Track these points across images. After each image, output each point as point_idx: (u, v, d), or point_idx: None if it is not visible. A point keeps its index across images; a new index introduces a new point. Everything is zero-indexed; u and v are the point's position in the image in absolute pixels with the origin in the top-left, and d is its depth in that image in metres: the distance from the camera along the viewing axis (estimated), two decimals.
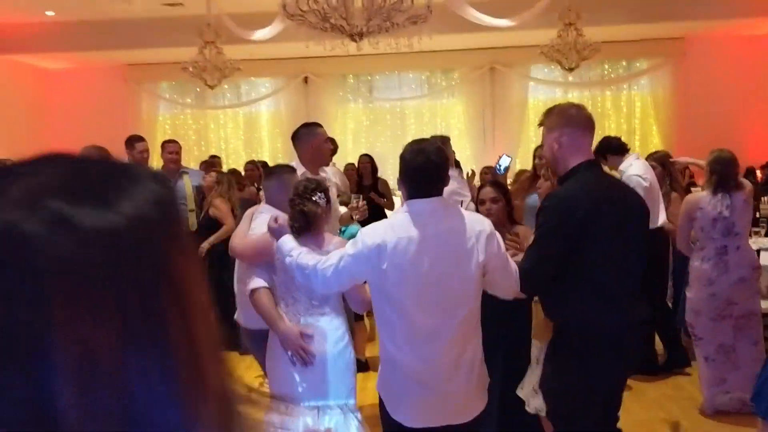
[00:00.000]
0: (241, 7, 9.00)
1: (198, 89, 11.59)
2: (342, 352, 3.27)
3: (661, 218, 5.25)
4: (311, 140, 4.16)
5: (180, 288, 0.54)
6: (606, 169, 5.10)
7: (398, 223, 2.70)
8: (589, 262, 2.71)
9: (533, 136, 10.76)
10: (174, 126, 12.57)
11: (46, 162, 0.55)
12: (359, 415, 3.27)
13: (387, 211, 6.90)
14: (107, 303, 0.49)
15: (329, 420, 3.17)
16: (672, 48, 11.43)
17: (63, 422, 0.48)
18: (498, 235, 2.79)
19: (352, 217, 4.36)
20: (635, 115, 12.07)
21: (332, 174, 5.14)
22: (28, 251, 0.48)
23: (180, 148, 6.59)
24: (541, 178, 4.70)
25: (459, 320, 2.68)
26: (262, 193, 4.32)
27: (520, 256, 2.90)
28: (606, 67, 11.96)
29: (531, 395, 3.34)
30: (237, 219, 4.86)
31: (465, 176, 5.78)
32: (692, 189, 8.85)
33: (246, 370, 4.74)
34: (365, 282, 2.95)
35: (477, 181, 6.26)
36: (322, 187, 3.32)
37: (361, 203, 4.33)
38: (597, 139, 5.85)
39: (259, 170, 7.64)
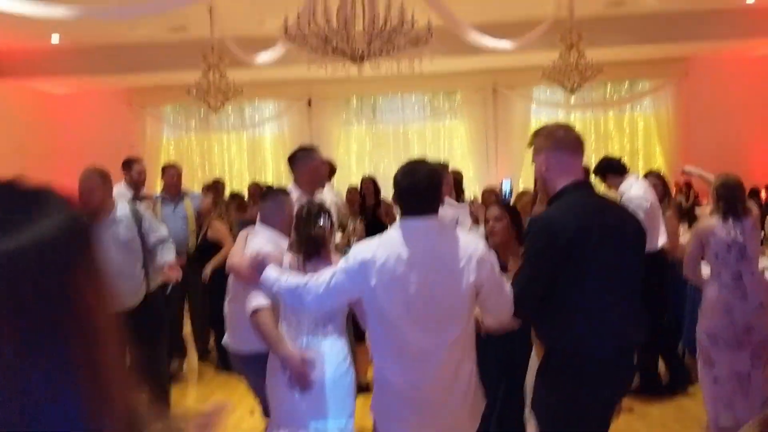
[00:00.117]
0: (244, 30, 9.08)
1: (202, 112, 11.65)
2: (344, 375, 3.25)
3: (661, 240, 5.21)
4: (308, 163, 4.18)
5: (83, 310, 0.57)
6: (603, 189, 5.09)
7: (389, 240, 2.69)
8: (577, 284, 2.66)
9: None
10: (178, 149, 12.63)
11: None
12: None
13: None
14: (4, 319, 0.52)
15: None
16: (674, 69, 11.47)
17: None
18: (493, 258, 2.76)
19: (348, 242, 4.36)
20: (638, 135, 12.08)
21: (330, 195, 5.15)
22: None
23: (180, 171, 6.61)
24: None
25: (449, 342, 2.65)
26: None
27: None
28: (608, 88, 11.99)
29: (530, 416, 3.31)
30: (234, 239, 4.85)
31: (468, 201, 5.77)
32: (695, 209, 8.85)
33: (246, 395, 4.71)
34: None
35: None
36: (324, 210, 3.35)
37: (358, 226, 4.34)
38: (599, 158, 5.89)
39: (262, 191, 7.67)
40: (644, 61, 11.23)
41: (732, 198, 4.44)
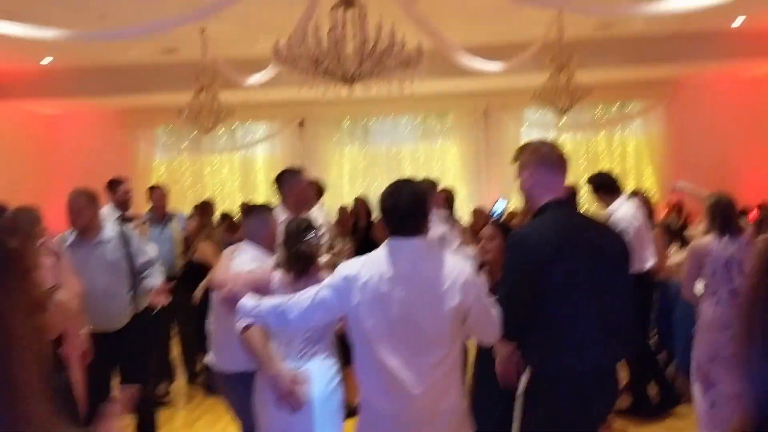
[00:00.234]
0: (236, 52, 9.12)
1: (194, 134, 11.67)
2: (332, 394, 3.23)
3: (650, 261, 5.21)
4: (294, 184, 4.18)
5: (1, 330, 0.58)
6: (595, 204, 5.08)
7: (374, 259, 2.68)
8: (551, 301, 2.63)
9: None
10: (170, 170, 12.62)
11: None
12: None
13: None
14: None
15: None
16: (664, 90, 11.56)
17: None
18: (480, 281, 2.72)
19: (335, 264, 4.34)
20: (628, 157, 12.15)
21: (320, 215, 5.14)
22: None
23: (167, 193, 6.60)
24: None
25: (431, 365, 2.59)
26: None
27: None
28: (599, 109, 12.07)
29: None
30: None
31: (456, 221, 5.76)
32: (684, 232, 8.86)
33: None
34: None
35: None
36: (312, 227, 3.33)
37: (346, 246, 4.33)
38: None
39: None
40: (634, 83, 11.32)
41: (727, 215, 4.47)
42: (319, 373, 3.19)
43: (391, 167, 12.16)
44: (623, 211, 5.10)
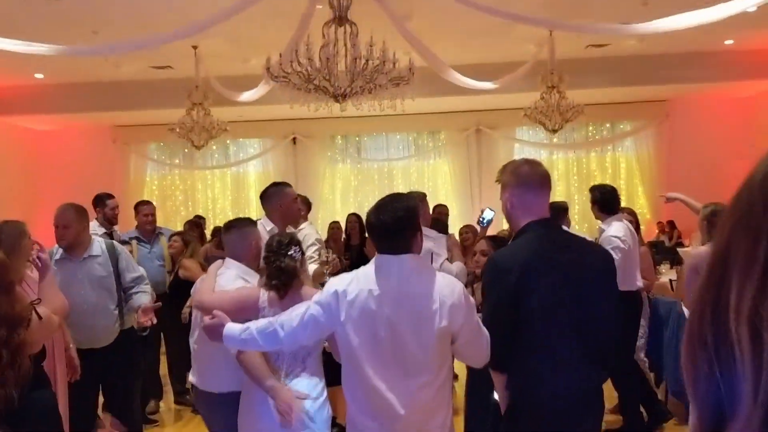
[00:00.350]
0: (228, 69, 9.15)
1: (186, 150, 11.66)
2: (321, 407, 3.19)
3: (639, 282, 5.18)
4: (280, 199, 4.15)
5: None
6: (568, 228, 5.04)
7: (363, 276, 2.62)
8: (533, 325, 2.57)
9: None
10: (162, 186, 12.60)
11: None
12: None
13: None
14: None
15: None
16: (655, 110, 11.64)
17: None
18: (470, 303, 2.64)
19: (324, 273, 4.31)
20: (620, 175, 12.20)
21: (311, 231, 5.11)
22: None
23: (155, 209, 6.54)
24: None
25: (417, 386, 2.52)
26: None
27: None
28: (590, 128, 12.13)
29: None
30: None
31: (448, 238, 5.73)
32: (678, 249, 8.88)
33: None
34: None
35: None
36: (295, 241, 3.28)
37: (331, 257, 4.30)
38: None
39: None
40: (625, 103, 11.40)
41: None
42: (307, 389, 3.16)
43: (383, 184, 12.19)
44: (615, 229, 5.08)
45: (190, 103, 8.64)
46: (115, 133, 11.98)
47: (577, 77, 8.92)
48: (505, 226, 6.14)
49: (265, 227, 4.03)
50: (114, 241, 4.83)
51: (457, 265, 4.64)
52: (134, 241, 6.10)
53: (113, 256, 4.46)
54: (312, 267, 4.44)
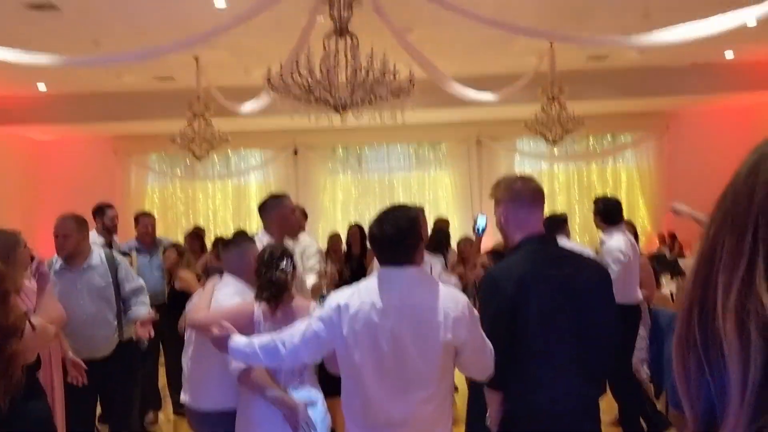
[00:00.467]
0: (230, 80, 9.17)
1: (187, 161, 11.67)
2: (324, 417, 3.19)
3: (638, 295, 5.16)
4: (278, 210, 4.15)
5: None
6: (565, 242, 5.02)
7: (365, 289, 2.58)
8: (527, 341, 2.56)
9: None
10: (162, 197, 12.61)
11: None
12: None
13: None
14: None
15: None
16: (656, 122, 11.65)
17: None
18: (474, 315, 2.59)
19: (322, 286, 4.29)
20: (621, 187, 12.19)
21: (312, 242, 5.11)
22: None
23: (155, 220, 6.53)
24: None
25: (420, 401, 2.49)
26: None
27: None
28: (591, 140, 12.14)
29: None
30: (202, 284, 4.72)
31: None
32: (680, 261, 8.87)
33: None
34: None
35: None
36: (287, 254, 3.27)
37: (329, 270, 4.29)
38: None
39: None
40: (626, 115, 11.41)
41: None
42: (309, 398, 3.16)
43: (384, 195, 12.19)
44: (614, 243, 5.06)
45: (191, 114, 8.66)
46: (116, 144, 12.00)
47: (577, 89, 8.94)
48: (497, 238, 6.14)
49: (262, 242, 4.03)
50: (114, 251, 4.83)
51: (454, 280, 4.62)
52: (134, 252, 6.10)
53: (112, 267, 4.45)
54: (310, 280, 4.44)
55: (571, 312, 2.61)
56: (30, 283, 3.51)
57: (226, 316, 3.16)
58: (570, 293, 2.62)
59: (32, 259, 5.11)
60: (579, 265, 2.80)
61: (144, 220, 6.39)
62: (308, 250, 5.21)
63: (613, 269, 4.73)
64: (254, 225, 11.91)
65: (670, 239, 11.27)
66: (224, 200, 12.69)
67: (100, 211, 6.02)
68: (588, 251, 4.91)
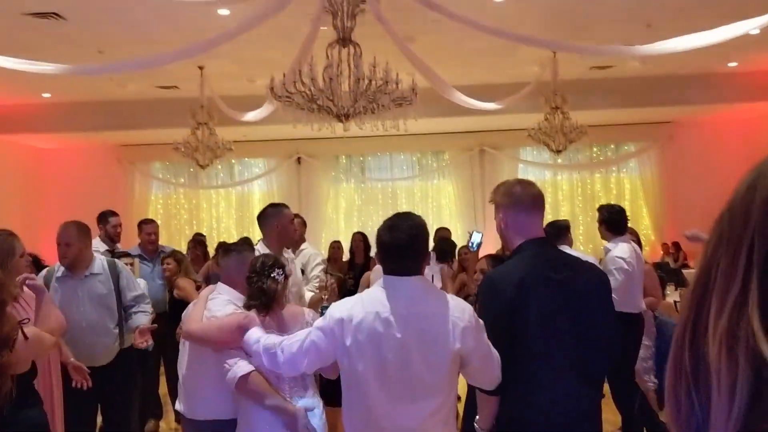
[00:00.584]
0: (234, 89, 9.20)
1: (191, 169, 11.70)
2: (323, 424, 3.18)
3: (641, 304, 5.13)
4: (278, 220, 4.13)
5: None
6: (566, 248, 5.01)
7: (369, 298, 2.54)
8: (526, 345, 2.55)
9: None
10: (166, 205, 12.63)
11: None
12: None
13: None
14: None
15: None
16: (659, 132, 11.64)
17: None
18: (480, 325, 2.56)
19: (322, 299, 4.27)
20: (625, 196, 12.18)
21: (314, 251, 5.10)
22: None
23: (158, 228, 6.52)
24: None
25: (426, 413, 2.44)
26: None
27: None
28: (594, 149, 12.14)
29: None
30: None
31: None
32: (684, 271, 8.85)
33: None
34: None
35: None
36: (279, 264, 3.25)
37: (329, 282, 4.26)
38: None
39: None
40: (629, 124, 11.41)
41: None
42: (310, 407, 3.14)
43: (387, 204, 12.20)
44: (620, 250, 5.04)
45: (195, 123, 8.69)
46: (120, 152, 12.04)
47: (580, 98, 8.94)
48: (499, 246, 6.13)
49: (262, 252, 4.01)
50: (115, 259, 4.82)
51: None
52: (137, 260, 6.09)
53: (114, 274, 4.44)
54: (309, 294, 4.42)
55: (571, 314, 2.60)
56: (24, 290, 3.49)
57: (218, 328, 3.16)
58: (569, 295, 2.61)
59: (38, 263, 5.13)
60: (578, 268, 2.79)
61: (147, 228, 6.38)
62: (312, 259, 5.20)
63: (617, 278, 4.71)
64: (257, 233, 11.90)
65: (674, 249, 11.26)
66: (227, 209, 12.70)
67: (103, 218, 6.02)
68: (591, 259, 4.89)
